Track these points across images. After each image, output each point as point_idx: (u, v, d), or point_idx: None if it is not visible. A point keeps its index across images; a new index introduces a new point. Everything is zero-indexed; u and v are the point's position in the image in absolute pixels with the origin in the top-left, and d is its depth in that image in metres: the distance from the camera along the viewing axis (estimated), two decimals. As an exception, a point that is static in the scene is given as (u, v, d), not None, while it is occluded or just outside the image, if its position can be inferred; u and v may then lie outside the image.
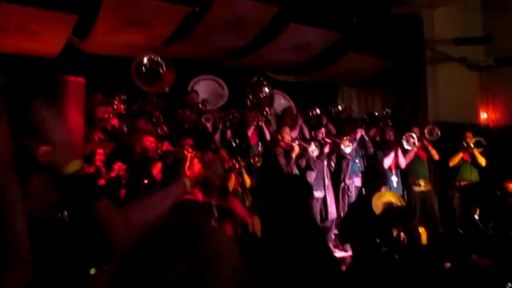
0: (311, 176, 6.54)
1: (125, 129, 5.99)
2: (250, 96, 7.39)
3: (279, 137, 6.60)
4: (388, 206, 4.04)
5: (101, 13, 5.86)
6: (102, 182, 4.54)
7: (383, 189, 4.65)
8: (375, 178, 4.39)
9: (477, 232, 4.75)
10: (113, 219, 1.35)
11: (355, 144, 6.73)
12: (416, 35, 8.95)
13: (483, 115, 9.79)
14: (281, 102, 8.54)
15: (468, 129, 7.94)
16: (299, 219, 2.48)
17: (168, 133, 5.63)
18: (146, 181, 4.88)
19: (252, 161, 5.96)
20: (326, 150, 6.75)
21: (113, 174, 4.62)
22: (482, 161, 7.33)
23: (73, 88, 3.12)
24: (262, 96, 7.35)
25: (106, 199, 1.34)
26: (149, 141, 5.14)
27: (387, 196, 4.38)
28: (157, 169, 5.16)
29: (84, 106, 3.52)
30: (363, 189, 6.29)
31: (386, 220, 3.75)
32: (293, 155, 6.35)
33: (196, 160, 3.23)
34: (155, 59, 6.02)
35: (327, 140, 7.03)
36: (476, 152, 7.32)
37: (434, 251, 4.10)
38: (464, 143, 7.41)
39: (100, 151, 4.77)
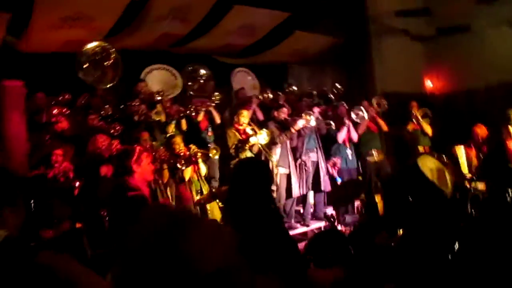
0: (277, 152, 6.61)
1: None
2: (190, 85, 7.30)
3: (235, 119, 6.57)
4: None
5: (35, 10, 5.64)
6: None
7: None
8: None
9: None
10: None
11: (314, 117, 6.78)
12: (360, 10, 9.09)
13: (429, 84, 10.12)
14: (247, 79, 8.53)
15: (414, 99, 8.17)
16: (261, 207, 2.53)
17: (121, 131, 5.51)
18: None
19: (210, 154, 5.93)
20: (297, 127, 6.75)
21: (71, 174, 4.52)
22: (429, 130, 7.62)
23: (11, 93, 2.99)
24: (201, 81, 7.27)
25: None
26: (102, 139, 5.03)
27: (431, 161, 4.20)
28: (105, 169, 5.05)
29: (24, 110, 3.39)
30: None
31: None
32: (256, 142, 6.33)
33: (145, 154, 3.17)
34: (99, 49, 5.71)
35: (288, 118, 7.07)
36: (423, 123, 7.58)
37: (389, 219, 4.25)
38: (411, 114, 7.64)
39: (57, 152, 4.60)
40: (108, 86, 6.01)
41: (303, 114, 6.71)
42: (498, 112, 8.58)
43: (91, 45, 5.53)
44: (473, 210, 4.51)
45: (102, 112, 6.26)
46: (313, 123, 6.71)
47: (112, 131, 5.41)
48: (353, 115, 7.14)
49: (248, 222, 2.54)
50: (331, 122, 7.13)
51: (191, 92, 7.19)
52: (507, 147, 4.65)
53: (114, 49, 5.46)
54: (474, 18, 8.54)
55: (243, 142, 6.20)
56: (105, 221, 4.69)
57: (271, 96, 7.37)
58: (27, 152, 3.20)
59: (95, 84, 5.97)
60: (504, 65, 8.64)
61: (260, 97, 7.37)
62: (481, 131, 7.12)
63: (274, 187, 6.31)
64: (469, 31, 8.75)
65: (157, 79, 7.96)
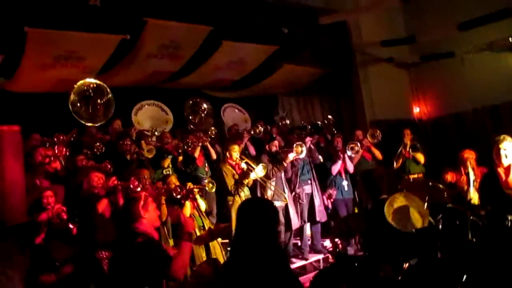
0: (270, 188, 6.57)
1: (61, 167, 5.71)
2: (191, 118, 7.34)
3: (227, 155, 6.57)
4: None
5: (27, 50, 5.63)
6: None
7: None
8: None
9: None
10: None
11: (305, 148, 6.79)
12: (345, 41, 9.29)
13: (416, 110, 10.29)
14: (235, 114, 8.57)
15: (404, 125, 8.23)
16: (268, 248, 2.50)
17: (113, 169, 5.44)
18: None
19: (206, 187, 5.89)
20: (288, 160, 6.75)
21: (65, 215, 4.41)
22: (421, 158, 7.65)
23: (8, 138, 2.94)
24: (203, 115, 7.33)
25: None
26: (97, 177, 4.96)
27: (400, 200, 4.33)
28: (103, 205, 4.99)
29: (22, 156, 3.34)
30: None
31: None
32: (253, 176, 6.32)
33: (150, 199, 3.15)
34: (92, 86, 5.66)
35: (279, 151, 7.08)
36: (414, 154, 7.63)
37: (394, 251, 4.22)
38: (403, 144, 7.68)
39: (47, 193, 4.53)
40: (100, 124, 5.99)
41: (294, 146, 6.72)
42: (486, 135, 8.77)
43: (84, 82, 5.51)
44: (473, 237, 4.51)
45: (95, 150, 6.21)
46: (303, 155, 6.71)
47: (102, 169, 5.34)
48: (348, 152, 7.17)
49: (255, 263, 2.50)
50: (320, 156, 7.10)
51: (191, 126, 7.18)
52: (498, 173, 4.68)
53: (107, 87, 5.44)
54: (457, 44, 8.76)
55: (242, 178, 6.17)
56: (104, 264, 4.60)
57: (262, 129, 7.40)
58: (24, 197, 3.13)
59: (87, 122, 5.92)
60: (487, 88, 8.86)
61: (252, 132, 7.40)
62: (470, 155, 7.17)
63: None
64: (453, 57, 8.97)
65: (148, 115, 7.97)
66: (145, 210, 3.10)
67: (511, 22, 7.60)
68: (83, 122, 5.62)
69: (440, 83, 9.76)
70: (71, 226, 4.50)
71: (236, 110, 8.85)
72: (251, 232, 2.55)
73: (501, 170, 4.66)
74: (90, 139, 6.67)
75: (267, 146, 7.07)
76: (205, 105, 7.39)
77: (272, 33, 7.94)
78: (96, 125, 6.09)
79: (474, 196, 5.16)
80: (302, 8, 8.30)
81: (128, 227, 3.05)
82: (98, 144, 6.29)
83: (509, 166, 4.61)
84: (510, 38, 8.40)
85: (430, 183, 5.44)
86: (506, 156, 4.58)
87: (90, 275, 4.27)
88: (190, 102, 7.42)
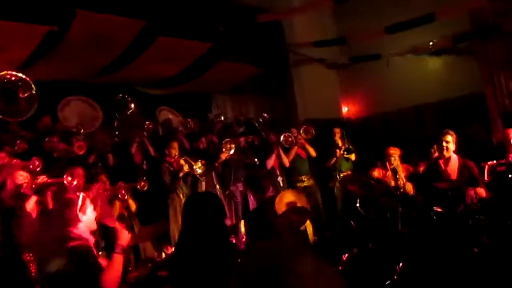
0: (202, 186, 6.50)
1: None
2: (117, 115, 7.07)
3: (166, 152, 6.43)
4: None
5: None
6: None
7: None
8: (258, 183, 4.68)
9: (361, 219, 5.16)
10: None
11: (238, 152, 6.79)
12: (279, 41, 9.44)
13: (345, 109, 10.68)
14: (169, 117, 8.39)
15: (334, 125, 8.52)
16: (217, 241, 2.46)
17: (41, 165, 5.10)
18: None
19: (138, 186, 5.71)
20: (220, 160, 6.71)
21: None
22: (352, 157, 7.97)
23: None
24: (129, 113, 7.07)
25: None
26: (22, 176, 4.63)
27: (288, 196, 4.61)
28: (31, 204, 4.68)
29: None
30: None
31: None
32: (181, 174, 6.22)
33: (88, 200, 2.93)
34: (13, 79, 5.25)
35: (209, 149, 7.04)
36: (347, 155, 7.91)
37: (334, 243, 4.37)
38: (336, 145, 7.92)
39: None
40: (21, 119, 5.59)
41: (223, 145, 6.72)
42: (410, 134, 9.31)
43: (4, 74, 5.11)
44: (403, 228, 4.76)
45: (15, 148, 5.82)
46: (232, 151, 6.71)
47: (31, 167, 4.99)
48: (282, 139, 7.27)
49: (205, 257, 2.46)
50: (256, 160, 7.14)
51: (117, 123, 6.93)
52: (439, 164, 5.01)
53: (29, 80, 5.08)
54: (384, 46, 9.20)
55: (181, 174, 6.07)
56: (30, 267, 4.31)
57: (193, 125, 7.33)
58: None
59: (7, 117, 5.50)
60: (410, 90, 9.40)
61: (186, 127, 7.30)
62: (394, 152, 7.56)
63: None
64: (380, 59, 9.42)
65: (75, 111, 7.60)
66: (83, 213, 2.89)
67: (433, 27, 8.09)
68: (2, 117, 5.23)
69: (367, 84, 10.22)
70: None
71: (170, 115, 8.67)
72: (200, 225, 2.50)
73: (441, 162, 5.00)
74: (11, 136, 6.25)
75: (194, 144, 7.01)
76: (132, 105, 7.08)
77: (208, 30, 7.88)
78: (17, 120, 5.69)
79: (407, 187, 5.46)
80: (238, 7, 8.32)
81: (59, 231, 2.82)
82: (19, 141, 5.90)
83: (449, 158, 4.94)
84: (430, 43, 8.99)
85: (363, 180, 5.69)
86: (447, 149, 4.90)
87: (14, 279, 3.99)
88: (119, 96, 7.11)
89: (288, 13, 8.96)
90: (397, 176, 7.07)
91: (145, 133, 6.81)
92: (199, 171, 6.19)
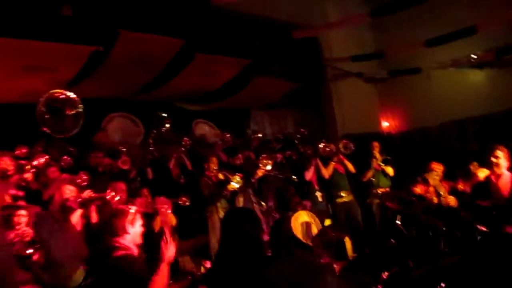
0: (239, 201, 6.54)
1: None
2: (153, 132, 7.22)
3: (206, 167, 6.52)
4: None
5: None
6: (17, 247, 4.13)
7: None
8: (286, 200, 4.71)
9: (401, 236, 5.04)
10: None
11: (275, 168, 6.80)
12: (316, 56, 9.46)
13: (384, 124, 10.53)
14: (205, 129, 8.51)
15: (373, 139, 8.39)
16: (254, 256, 2.49)
17: (88, 180, 5.28)
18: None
19: (179, 202, 5.80)
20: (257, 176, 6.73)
21: (28, 239, 4.22)
22: (391, 172, 7.80)
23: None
24: (163, 130, 7.20)
25: None
26: (69, 190, 4.80)
27: (303, 217, 4.64)
28: (76, 217, 4.84)
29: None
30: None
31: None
32: (224, 192, 6.27)
33: (139, 215, 3.05)
34: (59, 97, 5.46)
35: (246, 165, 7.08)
36: (385, 168, 7.77)
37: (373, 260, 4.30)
38: (373, 158, 7.80)
39: (20, 213, 4.35)
40: (69, 135, 5.81)
41: (260, 161, 6.72)
42: (452, 150, 9.06)
43: (54, 92, 5.33)
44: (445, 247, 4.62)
45: (62, 164, 6.04)
46: (269, 167, 6.71)
47: (78, 181, 5.18)
48: (320, 149, 7.22)
49: (241, 272, 2.48)
50: (294, 177, 7.05)
51: (151, 140, 7.08)
52: (490, 180, 4.88)
53: (77, 98, 5.29)
54: (423, 60, 9.04)
55: (220, 188, 6.14)
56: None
57: (230, 138, 7.41)
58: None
59: (56, 134, 5.73)
60: (452, 103, 9.18)
61: (224, 140, 7.38)
62: (438, 167, 7.34)
63: None
64: (420, 73, 9.26)
65: (118, 127, 7.82)
66: (132, 225, 3.01)
67: (475, 40, 7.90)
68: (51, 134, 5.45)
69: (407, 98, 10.06)
70: (31, 250, 4.30)
71: (206, 127, 8.80)
72: (237, 241, 2.54)
73: (493, 177, 4.85)
74: (57, 151, 6.49)
75: (230, 160, 7.06)
76: (167, 125, 7.21)
77: (245, 46, 8.00)
78: (64, 137, 5.92)
79: (450, 204, 5.31)
80: (275, 23, 8.41)
81: (107, 240, 2.94)
82: (65, 157, 6.13)
83: (501, 174, 4.78)
84: (472, 56, 8.77)
85: (403, 196, 5.58)
86: (497, 165, 4.76)
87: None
88: (157, 115, 7.28)
89: (324, 28, 8.97)
90: (440, 193, 6.90)
91: (182, 148, 6.92)
92: (237, 185, 6.23)
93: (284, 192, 5.04)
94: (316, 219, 4.74)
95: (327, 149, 7.30)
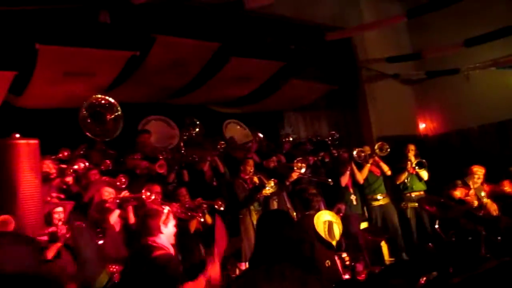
0: (273, 204, 6.53)
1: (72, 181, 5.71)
2: (184, 134, 7.30)
3: (241, 169, 6.56)
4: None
5: (38, 67, 5.66)
6: (58, 245, 4.29)
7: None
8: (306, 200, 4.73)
9: (440, 241, 4.92)
10: None
11: (309, 170, 6.77)
12: (350, 57, 9.37)
13: (421, 126, 10.31)
14: (237, 129, 8.58)
15: (409, 141, 8.18)
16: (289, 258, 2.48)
17: (127, 182, 5.42)
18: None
19: (216, 205, 5.85)
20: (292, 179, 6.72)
21: (68, 235, 4.37)
22: (425, 176, 7.59)
23: (26, 152, 2.94)
24: (194, 134, 7.27)
25: None
26: (108, 192, 4.95)
27: (326, 215, 4.63)
28: (114, 217, 4.97)
29: (39, 169, 3.32)
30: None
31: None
32: (264, 192, 6.28)
33: (172, 215, 3.12)
34: (103, 102, 5.61)
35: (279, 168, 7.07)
36: (419, 171, 7.56)
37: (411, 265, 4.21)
38: (408, 160, 7.63)
39: (57, 210, 4.54)
40: (109, 139, 5.97)
41: (294, 164, 6.69)
42: (492, 152, 8.77)
43: (95, 98, 5.50)
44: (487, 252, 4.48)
45: (102, 167, 6.20)
46: (303, 170, 6.67)
47: (118, 183, 5.32)
48: (355, 155, 7.15)
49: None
50: (329, 180, 6.98)
51: (182, 143, 7.16)
52: None
53: (117, 103, 5.44)
54: (462, 60, 8.81)
55: (255, 191, 6.16)
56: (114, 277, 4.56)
57: (262, 138, 7.41)
58: (41, 210, 3.11)
59: (97, 137, 5.91)
60: (492, 105, 8.89)
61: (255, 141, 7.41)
62: (479, 170, 7.11)
63: None
64: (458, 74, 9.02)
65: (154, 129, 7.97)
66: (165, 226, 3.08)
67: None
68: (92, 137, 5.62)
69: (445, 99, 9.82)
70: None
71: (238, 127, 8.86)
72: (271, 243, 2.54)
73: None
74: (98, 154, 6.66)
75: (264, 162, 7.07)
76: (197, 129, 7.29)
77: (279, 49, 8.00)
78: (105, 140, 6.08)
79: (492, 208, 5.16)
80: (309, 25, 8.39)
81: (142, 240, 3.00)
82: (106, 160, 6.29)
83: None
84: (514, 56, 8.47)
85: (442, 200, 5.44)
86: None
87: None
88: (188, 121, 7.38)
89: (358, 30, 8.88)
90: (481, 196, 6.68)
91: (216, 151, 6.98)
92: (271, 190, 6.23)
93: (303, 192, 5.04)
94: (339, 219, 4.71)
95: (362, 154, 7.20)
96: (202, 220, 5.64)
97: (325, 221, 4.60)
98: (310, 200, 4.88)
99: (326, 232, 4.53)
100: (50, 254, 4.11)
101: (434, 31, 9.14)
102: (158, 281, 2.84)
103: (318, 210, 4.97)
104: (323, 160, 7.76)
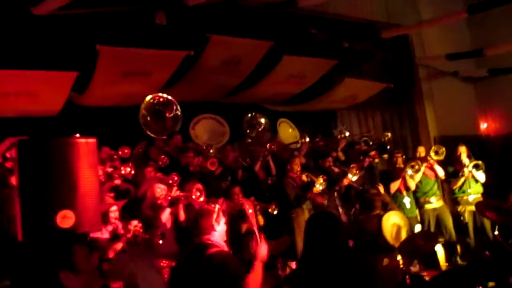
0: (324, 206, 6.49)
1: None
2: (248, 132, 7.35)
3: (288, 168, 6.55)
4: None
5: (98, 67, 5.91)
6: (120, 244, 4.49)
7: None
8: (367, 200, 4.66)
9: (500, 248, 4.69)
10: None
11: (362, 172, 6.66)
12: (406, 55, 9.10)
13: (483, 126, 9.85)
14: (288, 131, 8.56)
15: (469, 142, 7.75)
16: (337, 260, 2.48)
17: (179, 180, 5.56)
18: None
19: (269, 209, 5.88)
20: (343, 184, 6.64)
21: (129, 235, 4.55)
22: (482, 178, 7.20)
23: (85, 150, 3.10)
24: (260, 129, 7.31)
25: None
26: (160, 189, 5.10)
27: (395, 218, 4.52)
28: (166, 215, 5.10)
29: (97, 167, 3.48)
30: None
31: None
32: (314, 189, 6.24)
33: (222, 213, 3.21)
34: (160, 100, 5.74)
35: (334, 169, 6.99)
36: (475, 173, 7.20)
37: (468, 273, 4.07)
38: (462, 164, 7.28)
39: (112, 209, 4.75)
40: (167, 136, 6.12)
41: (349, 170, 6.57)
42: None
43: (154, 96, 5.64)
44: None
45: (159, 163, 6.37)
46: (355, 178, 6.54)
47: (170, 181, 5.47)
48: (408, 171, 6.93)
49: (325, 275, 2.49)
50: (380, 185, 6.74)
51: (249, 140, 7.23)
52: None
53: (175, 101, 5.55)
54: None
55: (306, 190, 6.14)
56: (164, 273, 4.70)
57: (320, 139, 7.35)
58: (99, 208, 3.26)
59: (157, 135, 6.05)
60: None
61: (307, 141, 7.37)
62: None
63: None
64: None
65: (205, 128, 8.10)
66: (217, 223, 3.16)
67: None
68: (152, 135, 5.78)
69: (509, 98, 9.33)
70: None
71: (289, 127, 8.78)
72: (320, 245, 2.55)
73: None
74: (157, 151, 6.85)
75: (320, 162, 6.99)
76: (262, 120, 7.34)
77: (333, 47, 7.90)
78: (164, 137, 6.26)
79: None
80: (363, 23, 8.23)
81: (196, 239, 3.08)
82: (163, 156, 6.47)
83: None
84: None
85: (503, 205, 5.16)
86: None
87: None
88: (249, 116, 7.43)
89: (415, 27, 8.59)
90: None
91: (267, 152, 6.98)
92: (321, 187, 6.17)
93: (364, 192, 4.97)
94: (407, 223, 4.61)
95: (416, 167, 6.93)
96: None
97: (394, 223, 4.51)
98: (372, 200, 4.80)
99: (393, 235, 4.44)
100: (111, 253, 4.33)
101: (497, 27, 8.69)
102: (217, 277, 2.88)
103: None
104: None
